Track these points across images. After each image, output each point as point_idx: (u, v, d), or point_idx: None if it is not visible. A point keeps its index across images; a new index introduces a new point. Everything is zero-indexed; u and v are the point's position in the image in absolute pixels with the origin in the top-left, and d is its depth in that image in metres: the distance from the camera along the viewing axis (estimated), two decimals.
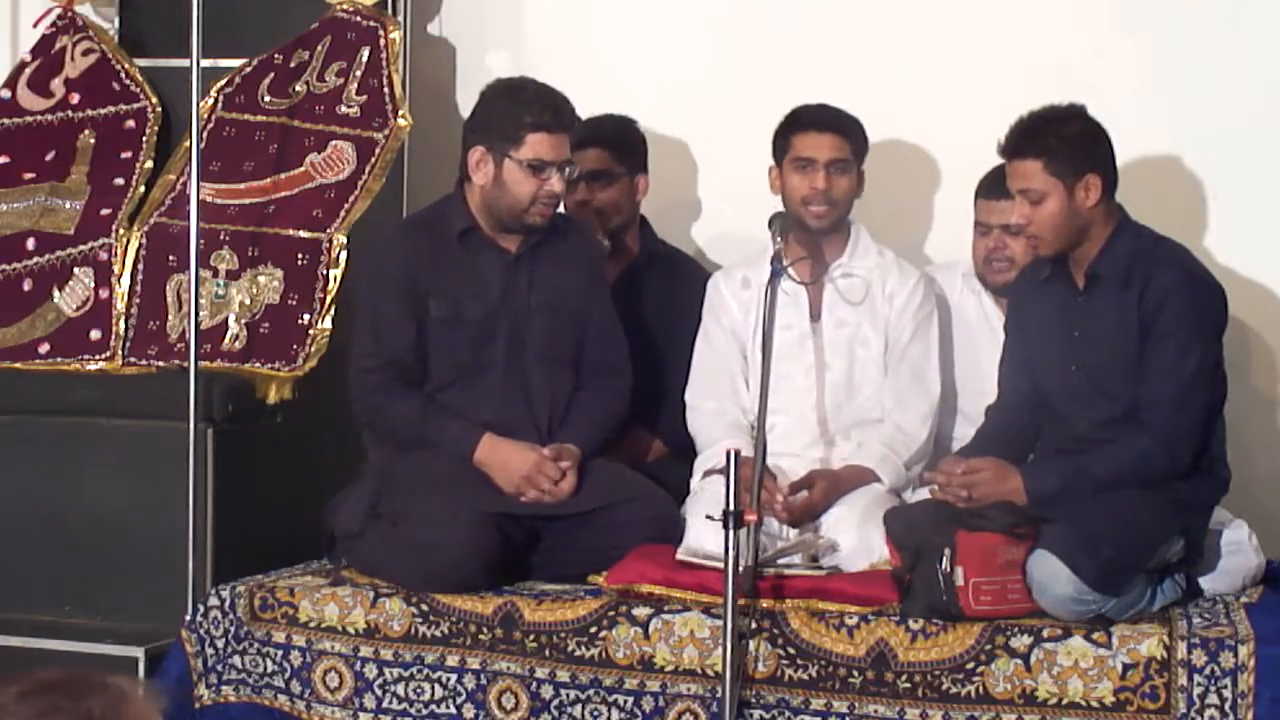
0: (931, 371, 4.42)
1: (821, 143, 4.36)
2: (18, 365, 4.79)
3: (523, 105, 4.25)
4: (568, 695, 3.92)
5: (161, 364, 4.69)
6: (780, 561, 4.02)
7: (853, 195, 4.41)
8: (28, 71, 5.23)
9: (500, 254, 4.35)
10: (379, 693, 4.04)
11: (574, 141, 4.41)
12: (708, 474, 4.35)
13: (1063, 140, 3.95)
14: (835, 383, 4.39)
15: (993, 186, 4.34)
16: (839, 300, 4.41)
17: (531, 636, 3.95)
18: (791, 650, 3.83)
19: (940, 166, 5.03)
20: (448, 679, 4.00)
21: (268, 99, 4.99)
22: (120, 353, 4.75)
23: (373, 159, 4.86)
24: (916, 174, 5.03)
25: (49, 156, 5.07)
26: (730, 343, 4.45)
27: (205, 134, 4.76)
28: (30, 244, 4.92)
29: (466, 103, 4.87)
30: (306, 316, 4.66)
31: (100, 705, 2.03)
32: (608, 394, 4.41)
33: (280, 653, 4.10)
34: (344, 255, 4.67)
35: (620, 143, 4.73)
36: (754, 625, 3.84)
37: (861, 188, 4.43)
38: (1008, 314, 4.32)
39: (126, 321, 4.78)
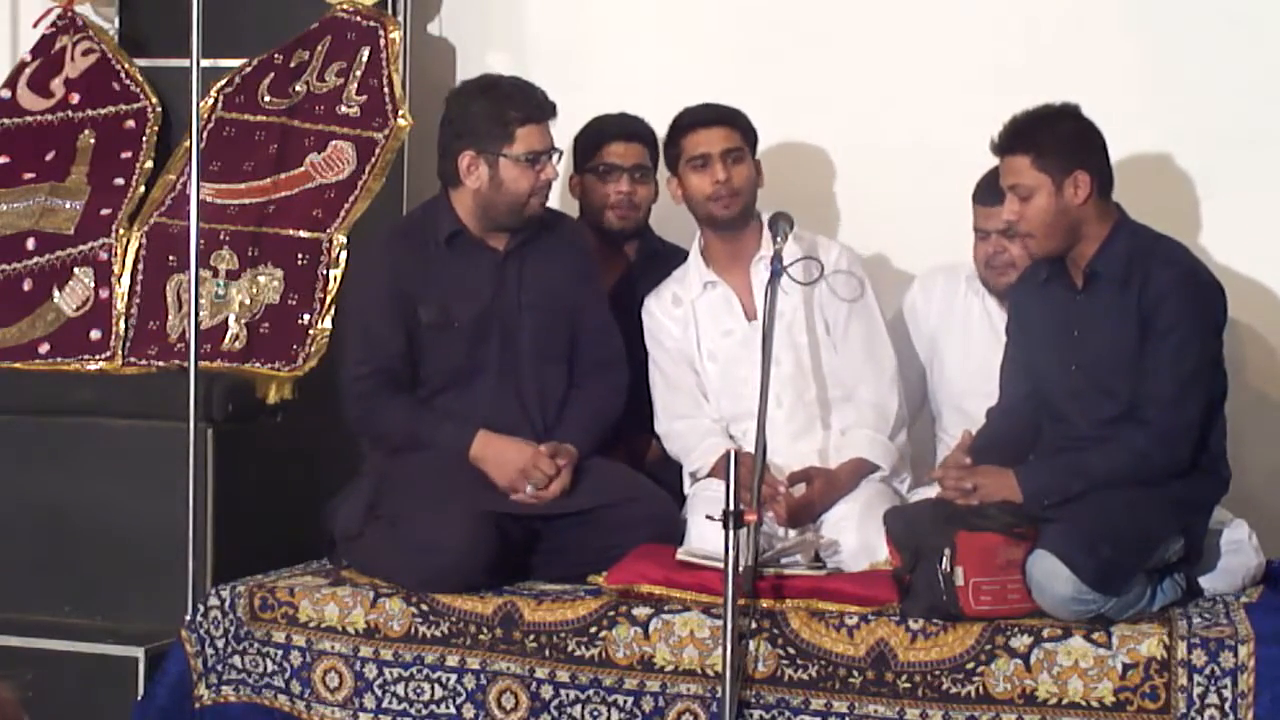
0: (881, 336, 4.43)
1: (712, 137, 4.40)
2: (18, 365, 4.79)
3: (504, 102, 4.28)
4: (568, 695, 3.92)
5: (161, 364, 4.69)
6: (781, 561, 4.02)
7: (754, 184, 4.43)
8: (28, 71, 5.23)
9: (489, 254, 4.36)
10: (379, 693, 4.04)
11: (622, 135, 4.65)
12: (695, 477, 4.36)
13: (1052, 136, 3.96)
14: (789, 375, 4.38)
15: (987, 192, 4.34)
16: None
17: (531, 636, 3.95)
18: (791, 650, 3.83)
19: (939, 165, 5.02)
20: (448, 679, 4.00)
21: (268, 99, 4.99)
22: (120, 353, 4.75)
23: (373, 159, 4.86)
24: (915, 172, 5.02)
25: (49, 156, 5.07)
26: (678, 363, 4.47)
27: (205, 134, 4.76)
28: (30, 244, 4.92)
29: None
30: (306, 316, 4.66)
31: None
32: (604, 389, 4.41)
33: (280, 653, 4.10)
34: (344, 255, 4.67)
35: (655, 142, 4.80)
36: (754, 625, 3.84)
37: (762, 179, 4.45)
38: (1008, 316, 4.32)
39: (126, 321, 4.77)
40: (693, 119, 4.44)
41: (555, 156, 4.33)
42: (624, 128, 4.77)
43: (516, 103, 4.28)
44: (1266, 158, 4.82)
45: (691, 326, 4.45)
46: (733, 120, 4.43)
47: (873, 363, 4.40)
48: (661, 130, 4.79)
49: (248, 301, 4.70)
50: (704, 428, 4.41)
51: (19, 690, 2.20)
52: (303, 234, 4.73)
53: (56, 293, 4.86)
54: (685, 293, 4.46)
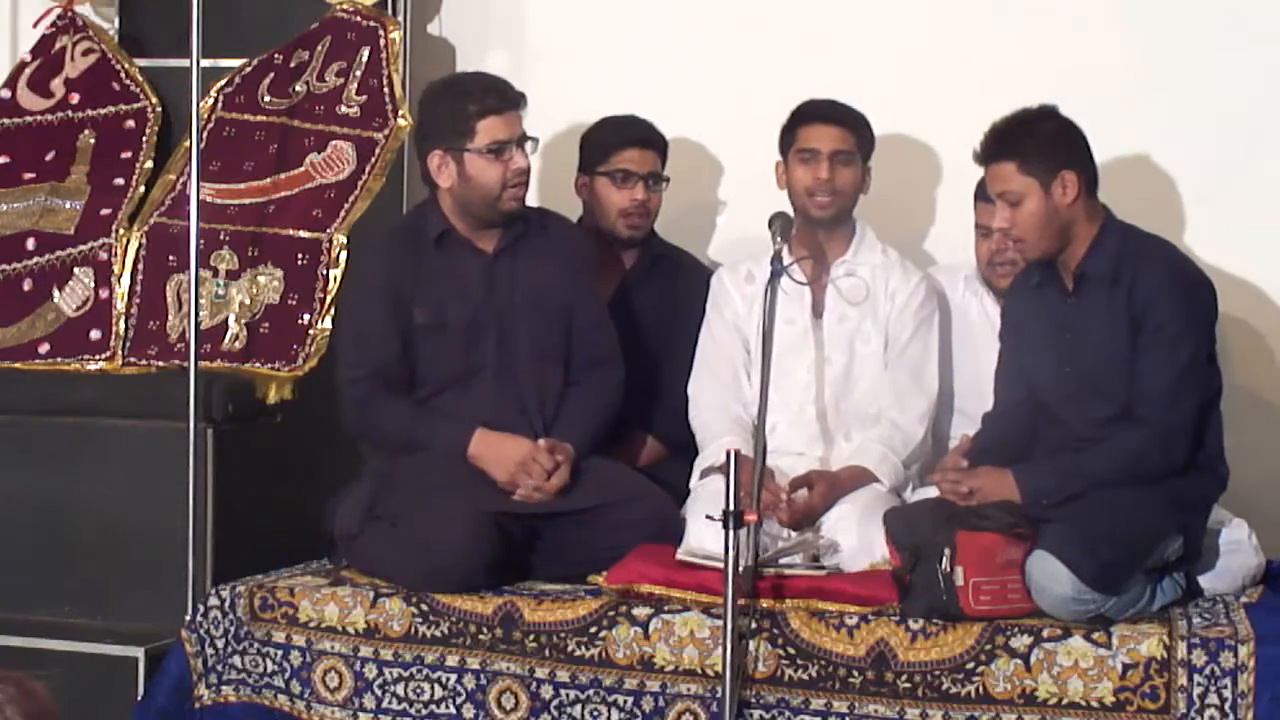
0: (930, 371, 4.44)
1: (825, 134, 4.41)
2: (18, 365, 4.79)
3: (463, 97, 4.30)
4: (568, 695, 3.92)
5: (161, 364, 4.69)
6: (781, 561, 4.02)
7: (857, 189, 4.45)
8: (28, 71, 5.23)
9: (478, 255, 4.36)
10: (379, 693, 4.04)
11: (637, 141, 4.64)
12: (706, 472, 4.36)
13: (1034, 139, 3.97)
14: (834, 378, 4.41)
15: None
16: (840, 297, 4.43)
17: (531, 636, 3.95)
18: (791, 650, 3.83)
19: (942, 165, 5.03)
20: (448, 679, 4.00)
21: (268, 99, 5.00)
22: (120, 353, 4.75)
23: (373, 159, 4.86)
24: (918, 171, 5.03)
25: (49, 156, 5.07)
26: (733, 336, 4.48)
27: (205, 134, 4.76)
28: (30, 244, 4.92)
29: None
30: (306, 316, 4.66)
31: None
32: (600, 386, 4.40)
33: (280, 653, 4.10)
34: (344, 255, 4.67)
35: (667, 149, 4.79)
36: (754, 625, 3.84)
37: (868, 185, 4.46)
38: (1002, 320, 4.32)
39: (126, 321, 4.78)
40: (813, 113, 4.45)
41: (530, 145, 4.33)
42: (639, 134, 4.73)
43: (475, 96, 4.29)
44: (1258, 157, 4.82)
45: (757, 306, 4.40)
46: (851, 122, 4.44)
47: (914, 392, 4.40)
48: (667, 133, 4.80)
49: (248, 301, 4.70)
50: (732, 416, 4.39)
51: (53, 691, 2.21)
52: (303, 234, 4.73)
53: (56, 293, 4.86)
54: (761, 272, 4.40)
